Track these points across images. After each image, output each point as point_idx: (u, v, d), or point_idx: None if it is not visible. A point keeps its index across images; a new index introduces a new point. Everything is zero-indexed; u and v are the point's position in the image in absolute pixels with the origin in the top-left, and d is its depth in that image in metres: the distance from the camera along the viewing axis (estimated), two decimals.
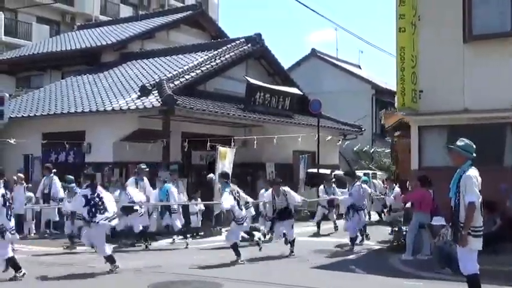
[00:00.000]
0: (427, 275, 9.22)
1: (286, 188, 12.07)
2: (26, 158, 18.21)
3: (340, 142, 25.20)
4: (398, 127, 16.93)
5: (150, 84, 16.90)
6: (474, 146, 6.42)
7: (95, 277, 9.28)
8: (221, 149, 15.78)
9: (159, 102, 15.85)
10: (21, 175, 14.60)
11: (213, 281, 8.87)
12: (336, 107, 25.98)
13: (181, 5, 37.97)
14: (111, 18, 34.34)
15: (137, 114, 16.52)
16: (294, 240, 11.68)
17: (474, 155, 6.38)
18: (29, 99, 20.26)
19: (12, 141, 17.22)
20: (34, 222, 14.81)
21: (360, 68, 37.64)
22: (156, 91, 16.30)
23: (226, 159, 15.74)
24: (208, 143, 17.19)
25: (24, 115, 18.58)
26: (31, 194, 14.71)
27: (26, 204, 14.01)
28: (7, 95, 17.79)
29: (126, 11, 39.02)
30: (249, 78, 19.43)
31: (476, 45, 12.06)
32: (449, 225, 6.31)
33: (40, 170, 16.54)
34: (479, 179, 6.23)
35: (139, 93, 16.71)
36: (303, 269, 10.26)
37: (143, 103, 16.20)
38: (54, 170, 14.81)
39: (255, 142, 17.87)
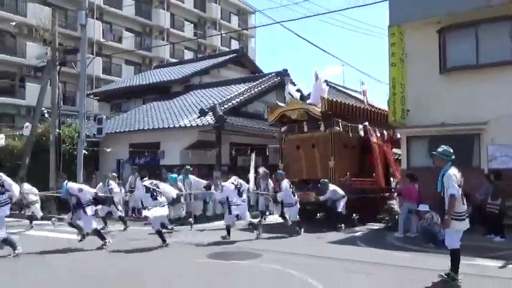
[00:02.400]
0: (414, 248, 9.14)
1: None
2: (117, 162, 18.54)
3: None
4: (281, 121, 14.57)
5: (207, 108, 17.10)
6: (452, 151, 6.40)
7: (161, 249, 9.34)
8: (253, 155, 15.91)
9: (213, 120, 16.03)
10: (115, 174, 14.88)
11: (253, 252, 8.86)
12: None
13: (228, 49, 38.25)
14: (177, 60, 34.88)
15: (197, 129, 16.68)
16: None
17: (453, 157, 6.37)
18: (120, 120, 20.65)
19: (108, 150, 17.58)
20: (124, 209, 14.93)
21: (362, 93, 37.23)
22: (211, 112, 16.47)
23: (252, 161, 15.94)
24: (249, 150, 17.24)
25: (116, 131, 18.94)
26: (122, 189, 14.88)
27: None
28: (104, 116, 18.19)
29: (188, 55, 39.62)
30: (278, 102, 19.39)
31: (450, 75, 11.90)
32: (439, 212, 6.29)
33: (128, 170, 16.78)
34: (459, 175, 6.22)
35: (199, 114, 16.88)
36: (320, 243, 10.20)
37: (202, 121, 16.40)
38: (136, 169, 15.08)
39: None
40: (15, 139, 20.10)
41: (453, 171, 6.18)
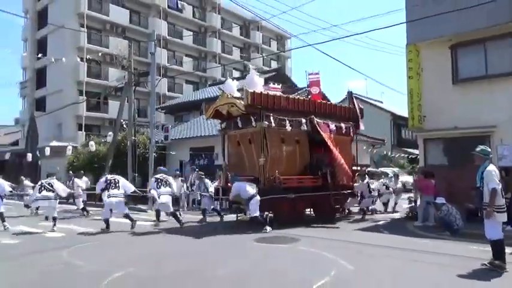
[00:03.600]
0: (432, 235, 8.73)
1: None
2: (180, 163, 18.89)
3: (370, 150, 24.37)
4: (216, 117, 11.89)
5: None
6: (489, 150, 6.11)
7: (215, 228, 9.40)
8: None
9: None
10: (178, 173, 15.09)
11: (292, 236, 8.77)
12: (367, 127, 25.04)
13: (268, 68, 38.33)
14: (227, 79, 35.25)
15: None
16: None
17: (491, 155, 6.09)
18: (182, 128, 21.09)
19: (173, 153, 17.99)
20: (186, 201, 15.17)
21: (382, 102, 36.23)
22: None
23: None
24: None
25: (179, 137, 19.36)
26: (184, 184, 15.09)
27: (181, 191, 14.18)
28: (170, 126, 18.67)
29: (236, 74, 39.92)
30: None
31: (462, 85, 11.38)
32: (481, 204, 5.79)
33: (189, 170, 17.04)
34: (497, 171, 5.85)
35: None
36: (347, 230, 9.96)
37: None
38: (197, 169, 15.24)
39: None
40: (101, 145, 20.96)
41: (492, 168, 5.78)
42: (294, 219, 10.33)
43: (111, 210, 9.96)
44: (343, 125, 12.04)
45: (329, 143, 11.14)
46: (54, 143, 24.56)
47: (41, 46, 32.88)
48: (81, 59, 28.93)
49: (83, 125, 29.82)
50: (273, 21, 46.87)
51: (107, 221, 9.83)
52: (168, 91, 35.28)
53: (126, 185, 10.46)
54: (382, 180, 14.25)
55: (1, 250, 7.52)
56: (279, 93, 11.47)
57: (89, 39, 30.84)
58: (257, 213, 9.53)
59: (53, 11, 32.44)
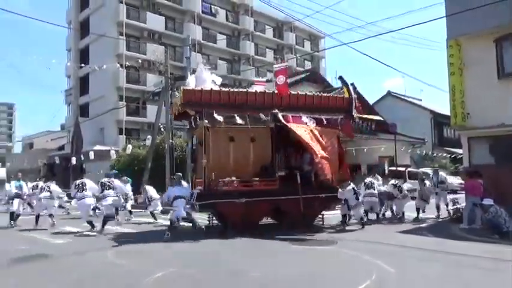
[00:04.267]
0: (479, 238, 8.28)
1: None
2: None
3: (410, 149, 23.64)
4: (181, 117, 10.82)
5: None
6: None
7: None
8: None
9: None
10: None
11: (329, 239, 8.64)
12: (406, 127, 24.40)
13: (302, 69, 38.04)
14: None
15: None
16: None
17: None
18: None
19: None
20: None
21: (421, 100, 35.02)
22: None
23: None
24: None
25: None
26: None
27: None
28: None
29: (270, 75, 39.95)
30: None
31: (508, 80, 10.73)
32: None
33: None
34: None
35: None
36: (390, 232, 9.66)
37: None
38: None
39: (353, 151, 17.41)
40: (140, 148, 21.58)
41: None
42: (247, 227, 9.15)
43: (94, 210, 10.30)
44: (325, 117, 10.29)
45: (304, 138, 9.57)
46: (98, 147, 25.60)
47: (84, 55, 34.41)
48: (121, 66, 29.98)
49: (123, 129, 30.87)
50: (306, 21, 46.57)
51: (90, 222, 10.13)
52: None
53: (92, 187, 10.60)
54: (392, 181, 12.30)
55: (51, 250, 7.89)
56: (226, 89, 10.32)
57: (128, 46, 31.93)
58: (179, 215, 9.19)
59: (94, 21, 33.89)
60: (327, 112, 10.46)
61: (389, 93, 32.70)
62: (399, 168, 18.43)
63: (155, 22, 33.68)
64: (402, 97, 33.10)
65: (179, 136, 20.32)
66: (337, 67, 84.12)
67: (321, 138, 9.92)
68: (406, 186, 12.44)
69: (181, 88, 9.54)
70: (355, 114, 10.90)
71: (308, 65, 44.71)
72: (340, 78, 12.17)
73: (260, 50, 42.28)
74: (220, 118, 9.18)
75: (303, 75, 26.19)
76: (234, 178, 9.37)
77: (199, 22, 36.95)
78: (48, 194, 11.10)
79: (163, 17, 34.70)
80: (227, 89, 10.27)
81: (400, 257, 6.83)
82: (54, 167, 29.24)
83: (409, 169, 18.96)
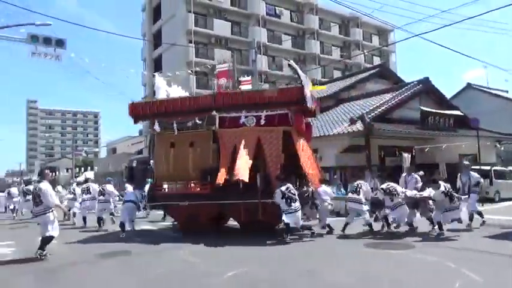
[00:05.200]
0: None
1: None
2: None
3: (496, 146, 21.52)
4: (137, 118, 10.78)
5: (356, 117, 16.53)
6: None
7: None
8: (405, 155, 14.73)
9: (362, 127, 15.38)
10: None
11: (405, 243, 8.16)
12: (491, 121, 22.24)
13: (371, 65, 36.62)
14: (328, 79, 34.71)
15: (348, 136, 16.21)
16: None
17: None
18: None
19: None
20: None
21: (507, 92, 31.79)
22: (360, 121, 15.85)
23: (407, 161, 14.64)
24: (397, 152, 16.15)
25: None
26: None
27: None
28: None
29: (337, 74, 39.12)
30: (422, 107, 17.80)
31: None
32: None
33: None
34: None
35: (349, 123, 16.43)
36: (472, 238, 8.85)
37: (352, 129, 15.87)
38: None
39: (427, 150, 16.33)
40: None
41: None
42: (193, 228, 9.45)
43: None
44: (267, 113, 9.53)
45: (225, 144, 9.47)
46: None
47: (157, 64, 36.60)
48: (191, 72, 31.36)
49: None
50: (374, 15, 44.71)
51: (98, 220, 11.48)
52: None
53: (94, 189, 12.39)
54: (384, 185, 9.46)
55: (129, 248, 8.46)
56: (177, 96, 10.62)
57: (197, 53, 33.31)
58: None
59: (165, 31, 35.91)
60: (272, 108, 9.58)
61: (469, 86, 30.19)
62: (483, 167, 16.89)
63: (222, 28, 34.75)
64: (485, 89, 30.34)
65: None
66: (409, 61, 79.83)
67: (252, 139, 9.37)
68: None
69: (128, 103, 10.42)
70: (309, 105, 9.53)
71: (377, 60, 42.97)
72: (289, 65, 10.98)
73: (326, 49, 41.58)
74: (157, 128, 10.02)
75: (371, 72, 25.14)
76: (177, 182, 10.09)
77: (264, 24, 37.35)
78: (102, 196, 11.77)
79: (229, 23, 35.67)
80: (171, 98, 10.61)
81: (487, 264, 6.23)
82: (134, 170, 31.40)
83: (496, 168, 17.26)
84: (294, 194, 8.69)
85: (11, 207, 17.16)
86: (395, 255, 7.24)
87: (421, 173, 10.60)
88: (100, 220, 11.43)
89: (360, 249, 7.73)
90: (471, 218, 9.97)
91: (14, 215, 16.47)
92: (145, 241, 9.11)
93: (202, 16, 34.45)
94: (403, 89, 19.15)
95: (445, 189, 8.72)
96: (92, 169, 49.77)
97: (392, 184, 9.40)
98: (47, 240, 7.45)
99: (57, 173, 49.93)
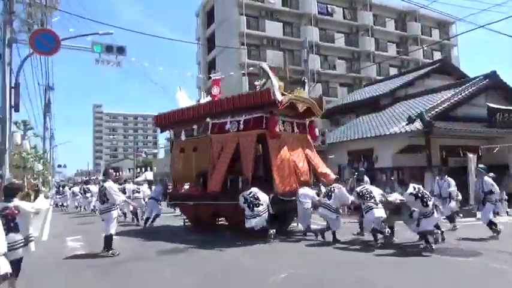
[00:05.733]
0: None
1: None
2: (338, 167, 18.67)
3: None
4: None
5: (414, 115, 15.68)
6: None
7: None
8: (470, 155, 13.67)
9: (421, 126, 14.55)
10: (337, 176, 14.70)
11: (470, 249, 7.56)
12: None
13: (431, 61, 34.69)
14: (383, 77, 33.43)
15: (406, 135, 15.44)
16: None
17: None
18: (338, 132, 20.85)
19: (330, 156, 17.93)
20: None
21: None
22: (419, 119, 15.01)
23: (472, 163, 13.57)
24: (461, 152, 15.08)
25: (336, 141, 19.18)
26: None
27: None
28: (326, 130, 18.66)
29: (393, 71, 37.55)
30: (489, 104, 16.46)
31: None
32: None
33: (348, 173, 16.68)
34: None
35: (407, 122, 15.62)
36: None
37: (410, 128, 15.08)
38: (356, 173, 14.81)
39: (496, 150, 15.03)
40: None
41: None
42: (199, 225, 10.76)
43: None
44: (243, 118, 9.74)
45: (227, 145, 9.92)
46: None
47: (211, 67, 37.49)
48: (243, 74, 31.73)
49: None
50: (433, 7, 42.43)
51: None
52: (323, 95, 35.42)
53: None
54: (359, 188, 8.68)
55: (186, 244, 8.69)
56: (184, 107, 11.33)
57: (249, 55, 33.66)
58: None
59: (218, 35, 36.68)
60: (249, 112, 9.71)
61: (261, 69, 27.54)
62: None
63: (273, 29, 34.81)
64: None
65: None
66: (473, 55, 74.51)
67: (233, 144, 9.77)
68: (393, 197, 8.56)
69: (154, 115, 12.18)
70: (279, 105, 9.20)
71: (437, 55, 40.65)
72: (261, 68, 11.20)
73: (381, 45, 40.10)
74: (173, 133, 11.47)
75: (431, 67, 23.80)
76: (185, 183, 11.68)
77: (316, 23, 36.85)
78: (138, 194, 13.33)
79: (281, 23, 35.64)
80: (179, 108, 11.48)
81: None
82: None
83: None
84: (257, 199, 8.63)
85: (75, 204, 19.11)
86: (461, 262, 6.72)
87: (492, 174, 9.66)
88: (136, 216, 13.31)
89: (420, 255, 7.28)
90: (452, 219, 9.47)
91: (77, 210, 18.24)
92: (194, 240, 9.27)
93: (254, 18, 34.73)
94: (468, 85, 17.85)
95: (414, 189, 7.60)
96: (151, 169, 52.06)
97: (367, 187, 8.71)
98: (109, 238, 7.87)
99: (120, 172, 52.90)
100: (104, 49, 12.68)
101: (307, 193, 9.25)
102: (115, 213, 7.98)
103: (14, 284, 5.12)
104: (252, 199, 8.66)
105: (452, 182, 10.05)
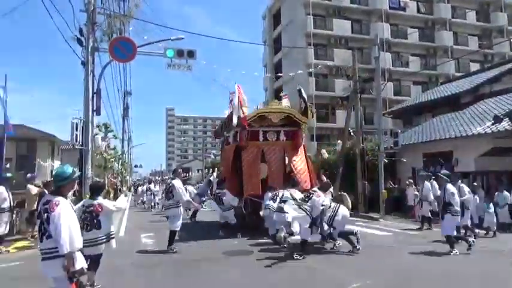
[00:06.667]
0: None
1: None
2: (413, 170, 17.56)
3: None
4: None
5: (502, 114, 14.17)
6: None
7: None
8: None
9: (510, 126, 13.08)
10: (411, 180, 13.98)
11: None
12: None
13: None
14: (463, 73, 30.88)
15: (492, 136, 13.99)
16: None
17: None
18: (412, 133, 19.64)
19: (404, 159, 16.95)
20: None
21: None
22: (507, 118, 13.52)
23: None
24: None
25: (410, 143, 18.08)
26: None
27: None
28: (399, 131, 17.65)
29: (474, 67, 34.53)
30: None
31: None
32: None
33: (423, 178, 15.46)
34: None
35: (493, 121, 14.18)
36: None
37: (497, 128, 13.64)
38: (433, 177, 13.78)
39: None
40: (330, 153, 21.89)
41: None
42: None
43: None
44: (231, 134, 12.26)
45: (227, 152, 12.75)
46: None
47: (277, 68, 37.59)
48: (310, 74, 31.30)
49: (314, 135, 32.04)
50: None
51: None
52: (395, 95, 33.82)
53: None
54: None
55: (250, 248, 8.67)
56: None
57: (316, 55, 33.14)
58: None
59: (285, 36, 36.67)
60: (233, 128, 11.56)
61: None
62: None
63: (341, 27, 33.95)
64: None
65: (370, 140, 19.65)
66: None
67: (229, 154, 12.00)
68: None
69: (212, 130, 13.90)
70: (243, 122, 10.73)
71: None
72: (299, 90, 12.91)
73: (460, 39, 37.13)
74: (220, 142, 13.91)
75: None
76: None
77: (387, 19, 35.24)
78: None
79: (350, 21, 34.64)
80: (224, 118, 12.81)
81: None
82: None
83: None
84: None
85: (142, 200, 22.53)
86: None
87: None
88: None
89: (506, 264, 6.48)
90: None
91: (148, 206, 20.95)
92: (253, 244, 9.21)
93: (321, 17, 34.16)
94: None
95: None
96: (218, 170, 53.47)
97: (316, 190, 8.35)
98: (174, 234, 8.30)
99: (190, 173, 55.16)
100: (175, 54, 13.15)
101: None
102: (179, 210, 8.36)
103: (92, 278, 5.44)
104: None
105: (465, 188, 9.35)
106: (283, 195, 8.27)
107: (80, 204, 5.66)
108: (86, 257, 4.14)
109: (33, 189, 10.33)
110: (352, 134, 18.92)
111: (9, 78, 11.41)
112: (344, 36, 33.93)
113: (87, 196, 6.15)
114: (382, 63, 25.26)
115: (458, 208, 7.94)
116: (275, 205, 8.39)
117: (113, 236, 5.59)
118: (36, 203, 9.33)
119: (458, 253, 7.73)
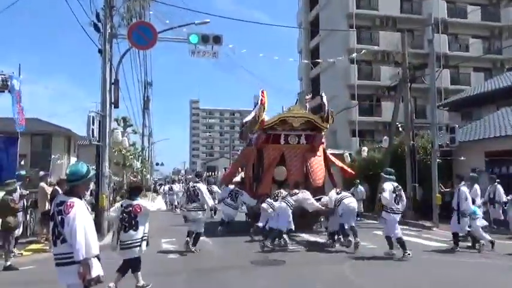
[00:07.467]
0: None
1: None
2: (473, 171, 16.85)
3: None
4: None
5: None
6: None
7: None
8: None
9: None
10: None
11: None
12: None
13: None
14: None
15: None
16: None
17: None
18: (472, 128, 18.92)
19: (461, 158, 16.43)
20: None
21: None
22: None
23: None
24: None
25: (469, 139, 17.44)
26: None
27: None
28: (456, 126, 17.03)
29: None
30: None
31: None
32: None
33: (486, 180, 14.86)
34: None
35: None
36: None
37: None
38: (498, 180, 13.24)
39: None
40: (375, 151, 21.49)
41: None
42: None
43: None
44: (253, 136, 14.55)
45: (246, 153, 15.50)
46: (330, 151, 26.98)
47: (314, 55, 37.23)
48: (351, 61, 30.80)
49: (356, 130, 31.55)
50: None
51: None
52: (451, 84, 32.73)
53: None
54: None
55: (279, 256, 8.66)
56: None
57: (358, 39, 32.54)
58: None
59: (323, 18, 36.24)
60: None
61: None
62: None
63: (389, 6, 33.16)
64: None
65: (422, 136, 19.12)
66: None
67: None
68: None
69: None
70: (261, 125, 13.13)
71: None
72: (321, 96, 14.49)
73: None
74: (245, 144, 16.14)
75: None
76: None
77: None
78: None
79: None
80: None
81: None
82: None
83: None
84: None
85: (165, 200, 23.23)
86: None
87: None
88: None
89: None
90: None
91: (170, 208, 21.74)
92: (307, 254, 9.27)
93: None
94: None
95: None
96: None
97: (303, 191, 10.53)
98: (199, 236, 9.15)
99: (216, 172, 55.75)
100: (200, 40, 13.23)
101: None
102: (203, 213, 9.20)
103: (119, 279, 5.70)
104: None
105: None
106: (287, 194, 9.89)
107: (118, 205, 6.23)
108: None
109: (47, 188, 10.68)
110: (400, 129, 18.56)
111: (22, 68, 11.78)
112: (392, 17, 33.11)
113: (104, 197, 6.57)
114: (436, 47, 24.50)
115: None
116: (271, 201, 9.85)
117: (145, 238, 5.88)
118: (49, 203, 9.68)
119: None
